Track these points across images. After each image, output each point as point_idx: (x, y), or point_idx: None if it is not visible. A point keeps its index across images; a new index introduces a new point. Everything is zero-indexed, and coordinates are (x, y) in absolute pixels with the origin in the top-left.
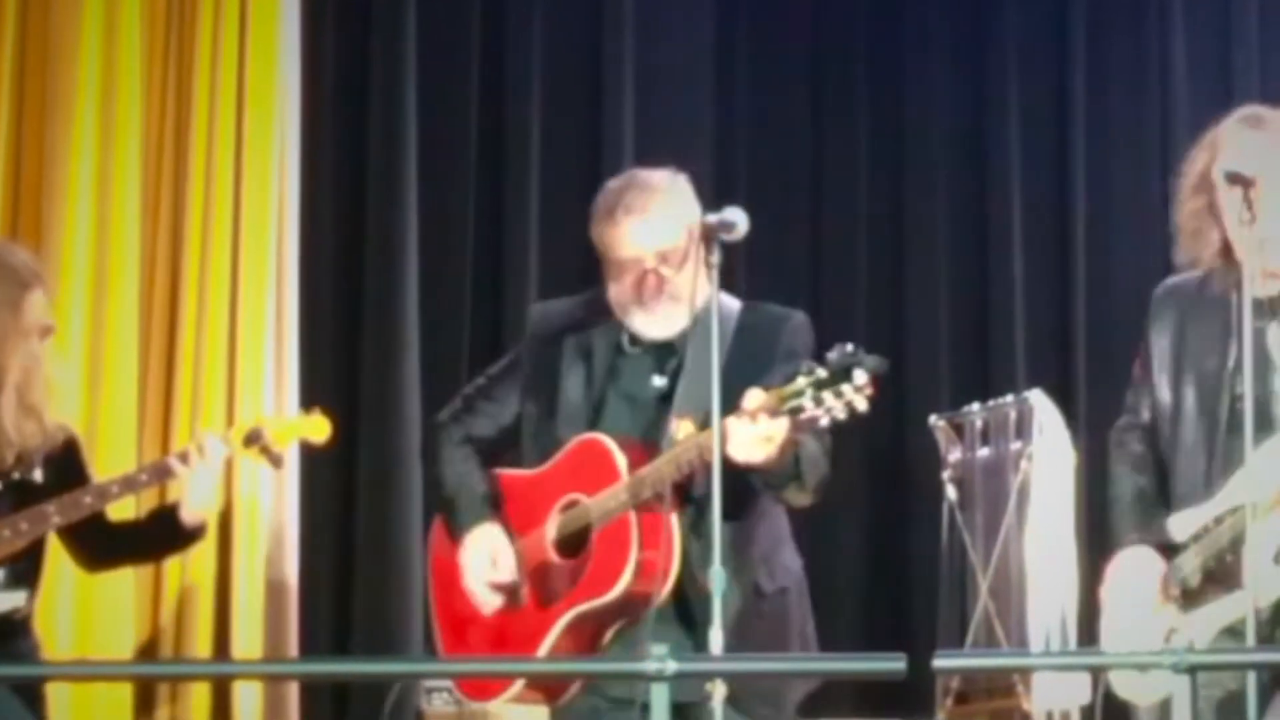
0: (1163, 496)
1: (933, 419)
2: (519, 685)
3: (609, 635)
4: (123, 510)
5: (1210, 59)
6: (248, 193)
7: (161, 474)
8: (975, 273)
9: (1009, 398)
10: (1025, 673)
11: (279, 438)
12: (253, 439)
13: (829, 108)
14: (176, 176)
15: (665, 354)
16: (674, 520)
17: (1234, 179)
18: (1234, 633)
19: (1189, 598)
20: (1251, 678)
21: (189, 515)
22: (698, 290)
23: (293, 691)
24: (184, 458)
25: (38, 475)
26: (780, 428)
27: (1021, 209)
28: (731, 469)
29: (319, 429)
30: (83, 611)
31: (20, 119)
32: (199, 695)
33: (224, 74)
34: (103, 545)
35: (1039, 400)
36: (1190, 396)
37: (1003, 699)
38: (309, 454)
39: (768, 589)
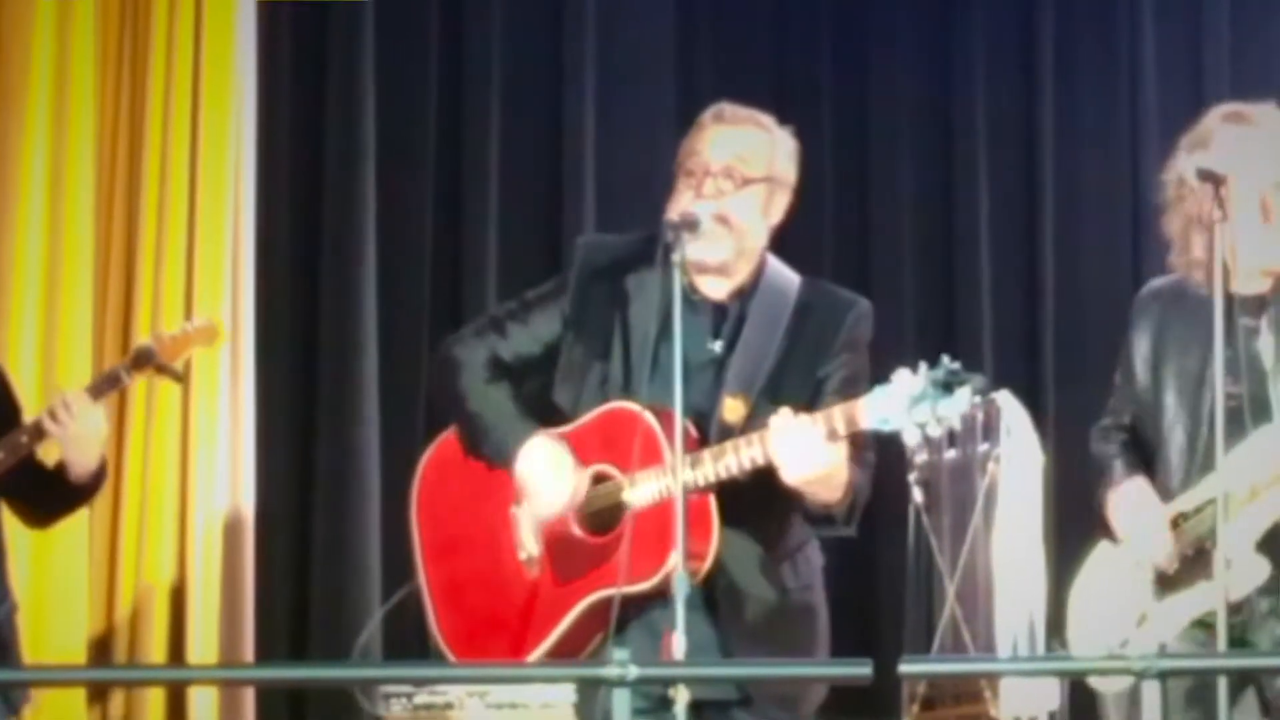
0: None
1: None
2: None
3: (629, 617)
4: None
5: (1181, 57)
6: (203, 188)
7: (38, 434)
8: (942, 273)
9: (976, 399)
10: (993, 678)
11: (171, 353)
12: (143, 359)
13: (792, 103)
14: (131, 173)
15: (721, 316)
16: (714, 506)
17: (1206, 176)
18: (1206, 625)
19: (1164, 584)
20: (1223, 677)
21: (72, 472)
22: (755, 238)
23: (249, 695)
24: (53, 415)
25: None
26: (832, 451)
27: (989, 208)
28: (776, 482)
29: (211, 336)
30: (36, 611)
31: None
32: (154, 699)
33: (179, 68)
34: (38, 497)
35: (1007, 402)
36: (1171, 394)
37: (970, 705)
38: (266, 453)
39: (792, 585)
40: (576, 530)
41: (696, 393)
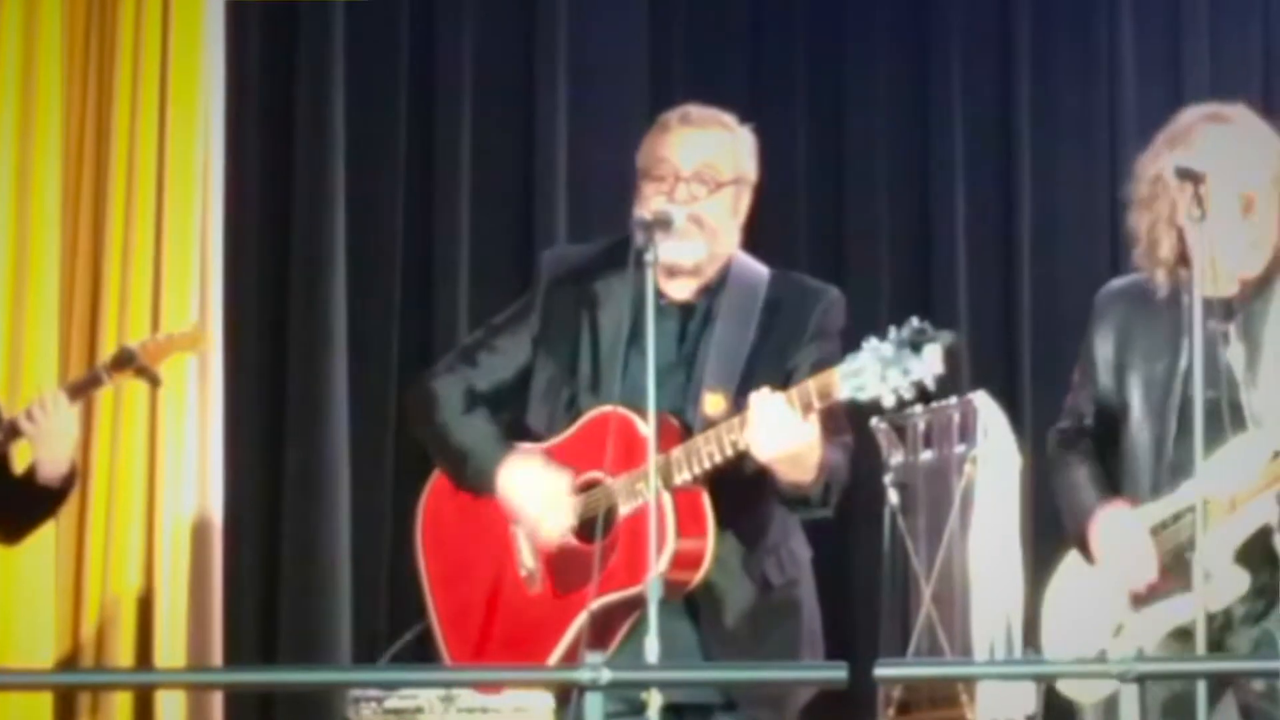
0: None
1: (874, 421)
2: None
3: (625, 627)
4: None
5: (1160, 53)
6: (171, 189)
7: (12, 433)
8: (918, 270)
9: (952, 399)
10: (969, 682)
11: (153, 356)
12: (124, 361)
13: (767, 103)
14: (98, 173)
15: (687, 314)
16: (708, 506)
17: (1185, 174)
18: (1185, 634)
19: (1141, 595)
20: (1201, 682)
21: (42, 473)
22: (728, 238)
23: (217, 700)
24: (29, 415)
25: None
26: (804, 428)
27: (966, 206)
28: (750, 464)
29: (195, 342)
30: (2, 621)
31: None
32: (121, 706)
33: (146, 67)
34: (7, 504)
35: (983, 402)
36: (1137, 399)
37: (946, 708)
38: (235, 456)
39: (776, 581)
40: (572, 540)
41: (669, 395)
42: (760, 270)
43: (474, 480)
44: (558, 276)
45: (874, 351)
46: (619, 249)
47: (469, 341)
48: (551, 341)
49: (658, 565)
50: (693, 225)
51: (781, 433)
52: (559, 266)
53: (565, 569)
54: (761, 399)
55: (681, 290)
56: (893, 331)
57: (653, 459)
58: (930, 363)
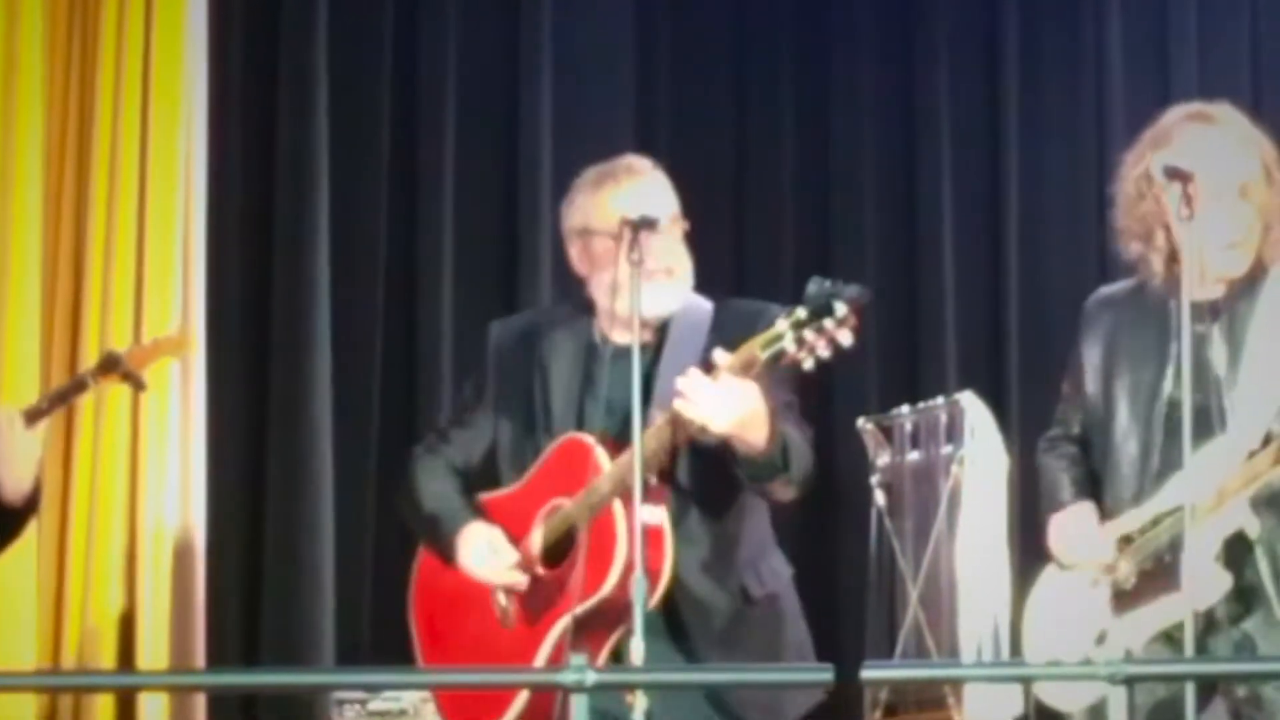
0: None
1: (860, 421)
2: (511, 715)
3: (606, 648)
4: None
5: (1147, 51)
6: (153, 189)
7: None
8: (905, 271)
9: (939, 400)
10: (956, 684)
11: (139, 361)
12: (110, 366)
13: (752, 98)
14: (79, 173)
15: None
16: (664, 514)
17: (1173, 174)
18: (1168, 638)
19: (1123, 600)
20: (1190, 686)
21: (4, 493)
22: (689, 280)
23: (200, 703)
24: None
25: None
26: (747, 388)
27: (952, 205)
28: (708, 447)
29: (179, 347)
30: None
31: None
32: (104, 709)
33: (129, 65)
34: None
35: (970, 402)
36: (1124, 405)
37: (933, 711)
38: (218, 463)
39: (757, 594)
40: (539, 569)
41: (627, 431)
42: (704, 304)
43: (444, 550)
44: (504, 344)
45: (787, 318)
46: (559, 309)
47: (442, 422)
48: (510, 407)
49: (615, 576)
50: (665, 276)
51: (729, 402)
52: (505, 336)
53: (532, 598)
54: (693, 376)
55: (628, 335)
56: (805, 296)
57: (639, 461)
58: (841, 318)
